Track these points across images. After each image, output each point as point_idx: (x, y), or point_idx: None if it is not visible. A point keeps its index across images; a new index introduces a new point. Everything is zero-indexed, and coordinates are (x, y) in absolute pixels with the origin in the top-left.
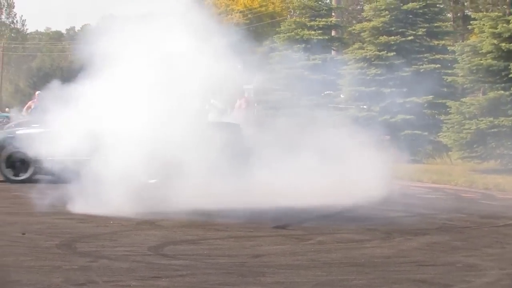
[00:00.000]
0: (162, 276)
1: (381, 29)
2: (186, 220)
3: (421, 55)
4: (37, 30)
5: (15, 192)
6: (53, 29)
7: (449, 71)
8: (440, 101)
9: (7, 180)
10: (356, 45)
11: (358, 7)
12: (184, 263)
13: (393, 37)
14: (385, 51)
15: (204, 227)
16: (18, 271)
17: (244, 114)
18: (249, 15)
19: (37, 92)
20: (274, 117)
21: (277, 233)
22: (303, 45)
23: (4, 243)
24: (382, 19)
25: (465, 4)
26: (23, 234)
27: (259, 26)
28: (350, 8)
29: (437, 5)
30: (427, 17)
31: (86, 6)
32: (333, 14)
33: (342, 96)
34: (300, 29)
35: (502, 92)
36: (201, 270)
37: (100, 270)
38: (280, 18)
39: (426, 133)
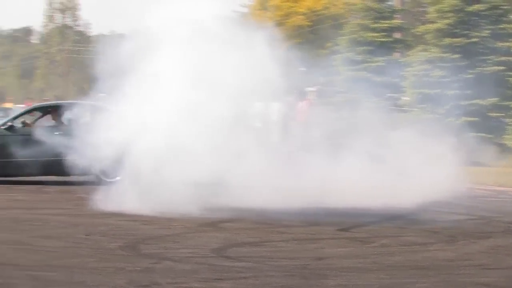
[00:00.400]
0: (225, 278)
1: (445, 31)
2: (249, 222)
3: (486, 57)
4: (101, 33)
5: (79, 194)
6: (117, 32)
7: None
8: (505, 103)
9: None
10: (420, 47)
11: (422, 9)
12: (246, 265)
13: (457, 39)
14: (449, 53)
15: (266, 230)
16: (82, 272)
17: (307, 116)
18: (312, 17)
19: (100, 95)
20: (336, 119)
21: (340, 235)
22: (366, 47)
23: (69, 244)
24: (446, 21)
25: None
26: (87, 236)
27: (322, 28)
28: (413, 10)
29: (502, 7)
30: (491, 19)
31: (146, 8)
32: (396, 16)
33: (405, 98)
34: (363, 31)
35: None
36: (264, 272)
37: (164, 272)
38: (343, 20)
39: (490, 136)
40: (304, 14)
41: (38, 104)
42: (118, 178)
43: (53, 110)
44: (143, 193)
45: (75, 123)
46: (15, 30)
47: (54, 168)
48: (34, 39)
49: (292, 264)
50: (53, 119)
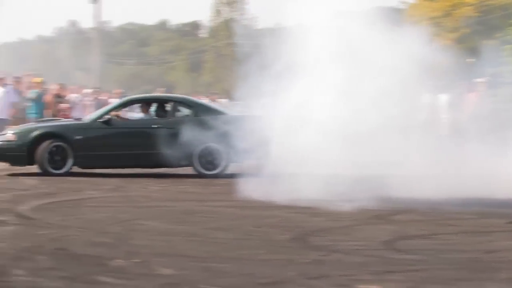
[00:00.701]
0: (395, 271)
1: None
2: (417, 214)
3: None
4: (267, 27)
5: (246, 186)
6: (282, 25)
7: None
8: None
9: (46, 173)
10: None
11: None
12: (417, 258)
13: None
14: None
15: (435, 222)
16: (252, 264)
17: (475, 107)
18: (481, 8)
19: (269, 88)
20: (505, 110)
21: (511, 228)
22: None
23: (239, 236)
24: None
25: None
26: (257, 227)
27: (491, 19)
28: None
29: None
30: None
31: (304, 1)
32: None
33: None
34: None
35: None
36: (434, 265)
37: (333, 264)
38: None
39: None
40: (472, 4)
41: (131, 96)
42: (217, 170)
43: (144, 103)
44: (308, 185)
45: (172, 116)
46: (184, 25)
47: (151, 160)
48: (202, 33)
49: (462, 256)
50: (143, 111)
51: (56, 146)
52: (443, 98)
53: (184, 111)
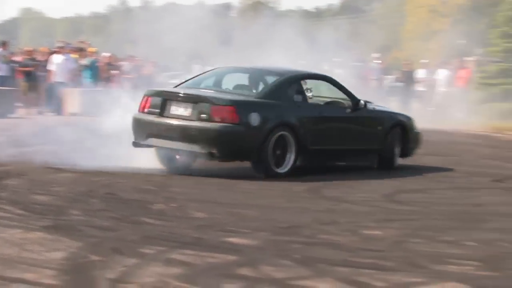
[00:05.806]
0: (394, 220)
1: None
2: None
3: None
4: (289, 9)
5: None
6: (303, 8)
7: None
8: None
9: None
10: None
11: None
12: (412, 209)
13: None
14: None
15: (431, 179)
16: (273, 211)
17: (466, 82)
18: None
19: None
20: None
21: (495, 186)
22: None
23: (262, 187)
24: None
25: None
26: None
27: (481, 6)
28: None
29: None
30: None
31: None
32: None
33: None
34: None
35: None
36: (427, 215)
37: (342, 213)
38: None
39: None
40: None
41: None
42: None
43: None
44: None
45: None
46: (216, 5)
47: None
48: (232, 14)
49: (452, 209)
50: None
51: None
52: (443, 73)
53: None
